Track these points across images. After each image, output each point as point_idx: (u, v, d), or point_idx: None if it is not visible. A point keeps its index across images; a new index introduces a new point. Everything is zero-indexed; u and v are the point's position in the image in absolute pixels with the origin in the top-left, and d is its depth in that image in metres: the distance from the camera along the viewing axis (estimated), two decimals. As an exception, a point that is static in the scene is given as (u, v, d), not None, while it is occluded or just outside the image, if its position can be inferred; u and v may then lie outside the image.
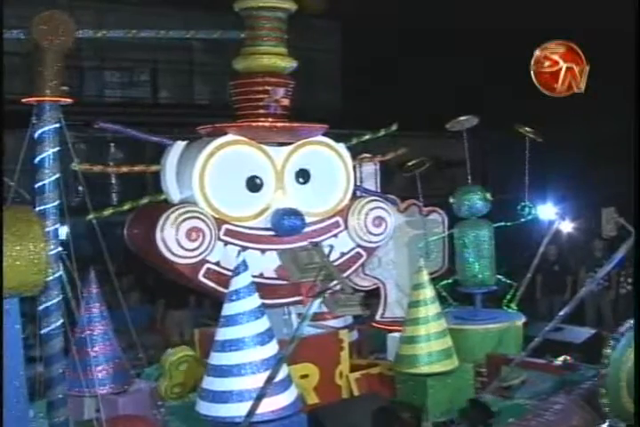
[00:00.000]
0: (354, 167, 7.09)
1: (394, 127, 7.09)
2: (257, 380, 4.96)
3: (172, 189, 6.00)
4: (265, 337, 5.25)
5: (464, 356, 6.55)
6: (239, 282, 5.25)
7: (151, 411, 5.88)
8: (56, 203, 5.20)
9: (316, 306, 4.50)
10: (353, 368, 6.51)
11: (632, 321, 5.60)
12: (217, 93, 21.21)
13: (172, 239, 5.73)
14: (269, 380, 4.59)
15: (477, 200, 7.33)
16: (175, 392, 6.07)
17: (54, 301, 5.24)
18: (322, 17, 21.43)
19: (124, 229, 6.23)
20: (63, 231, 5.83)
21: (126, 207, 5.86)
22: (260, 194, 6.24)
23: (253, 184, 6.18)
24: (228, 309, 5.27)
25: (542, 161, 7.44)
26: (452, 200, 7.40)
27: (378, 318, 7.69)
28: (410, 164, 7.40)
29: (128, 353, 6.18)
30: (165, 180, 5.99)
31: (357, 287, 7.67)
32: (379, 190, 7.50)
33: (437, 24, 16.77)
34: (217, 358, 5.25)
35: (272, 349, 5.21)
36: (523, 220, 7.32)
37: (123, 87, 20.95)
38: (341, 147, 6.69)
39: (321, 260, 5.08)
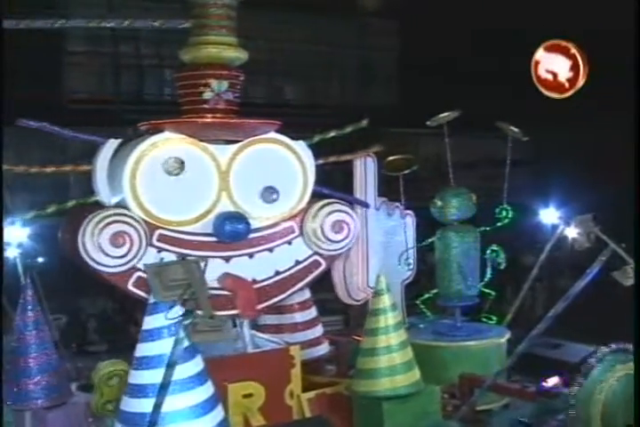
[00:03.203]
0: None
1: (364, 123, 6.49)
2: (176, 401, 4.46)
3: (104, 191, 5.57)
4: (188, 353, 4.73)
5: (438, 376, 5.93)
6: (161, 292, 4.82)
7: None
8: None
9: (184, 329, 3.96)
10: (313, 387, 5.96)
11: (606, 348, 5.09)
12: (272, 92, 21.03)
13: (95, 246, 5.29)
14: (157, 407, 4.10)
15: (465, 203, 6.66)
16: (108, 409, 5.61)
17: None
18: (379, 15, 21.13)
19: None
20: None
21: (50, 210, 5.46)
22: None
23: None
24: (149, 322, 4.76)
25: (545, 163, 6.81)
26: (438, 203, 6.71)
27: None
28: (390, 158, 6.76)
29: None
30: (96, 181, 5.56)
31: (352, 302, 7.06)
32: (376, 189, 6.89)
33: (498, 23, 16.40)
34: (134, 377, 4.76)
35: (196, 366, 4.67)
36: (500, 224, 6.60)
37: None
38: (300, 145, 6.10)
39: (188, 276, 4.43)
